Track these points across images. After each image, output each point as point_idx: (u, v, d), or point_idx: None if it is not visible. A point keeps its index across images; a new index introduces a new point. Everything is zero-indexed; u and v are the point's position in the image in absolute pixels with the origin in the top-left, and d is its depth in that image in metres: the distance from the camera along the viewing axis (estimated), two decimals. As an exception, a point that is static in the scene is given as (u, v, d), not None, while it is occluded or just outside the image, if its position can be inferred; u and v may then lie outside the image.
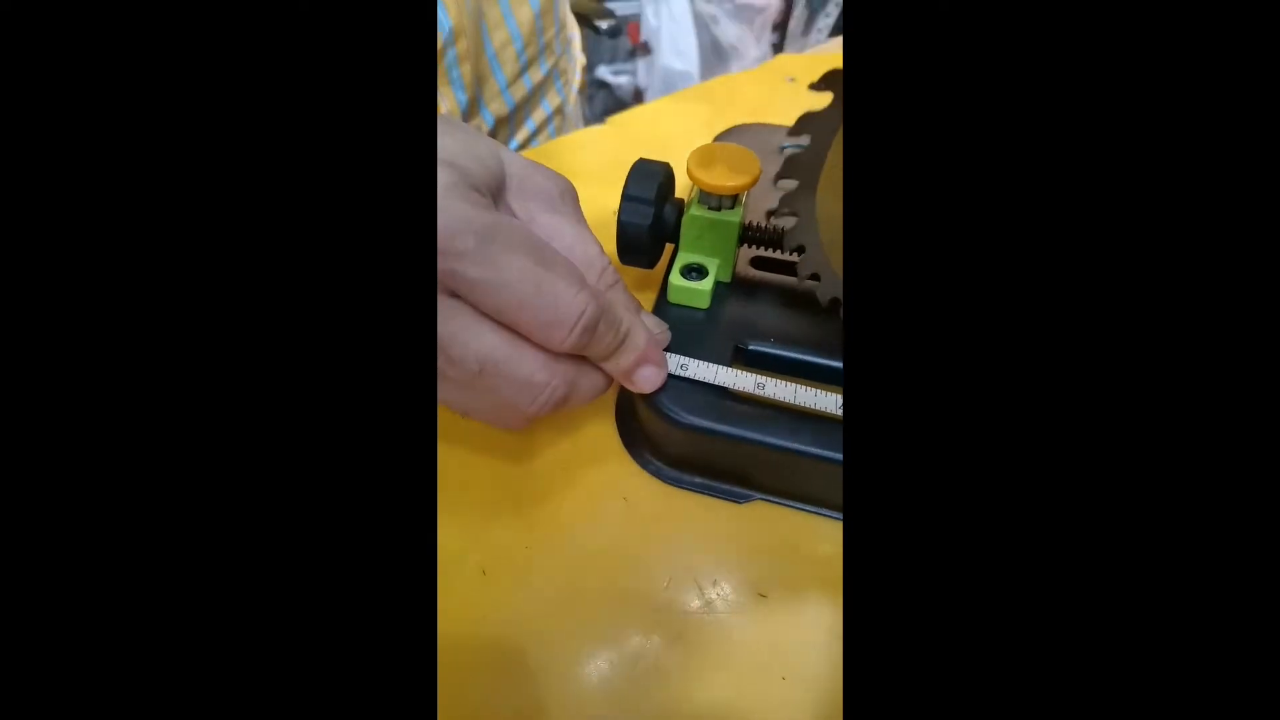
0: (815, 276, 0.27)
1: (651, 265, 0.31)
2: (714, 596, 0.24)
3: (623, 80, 1.56)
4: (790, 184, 0.25)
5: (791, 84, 0.54)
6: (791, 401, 0.26)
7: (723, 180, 0.27)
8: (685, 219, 0.29)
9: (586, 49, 1.67)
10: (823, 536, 0.26)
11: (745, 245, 0.30)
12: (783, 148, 0.39)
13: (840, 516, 0.26)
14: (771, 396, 0.26)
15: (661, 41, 1.48)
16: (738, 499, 0.27)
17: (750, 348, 0.28)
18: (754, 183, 0.28)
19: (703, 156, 0.28)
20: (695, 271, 0.29)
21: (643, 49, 1.53)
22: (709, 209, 0.28)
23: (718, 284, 0.30)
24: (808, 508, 0.27)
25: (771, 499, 0.27)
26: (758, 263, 0.32)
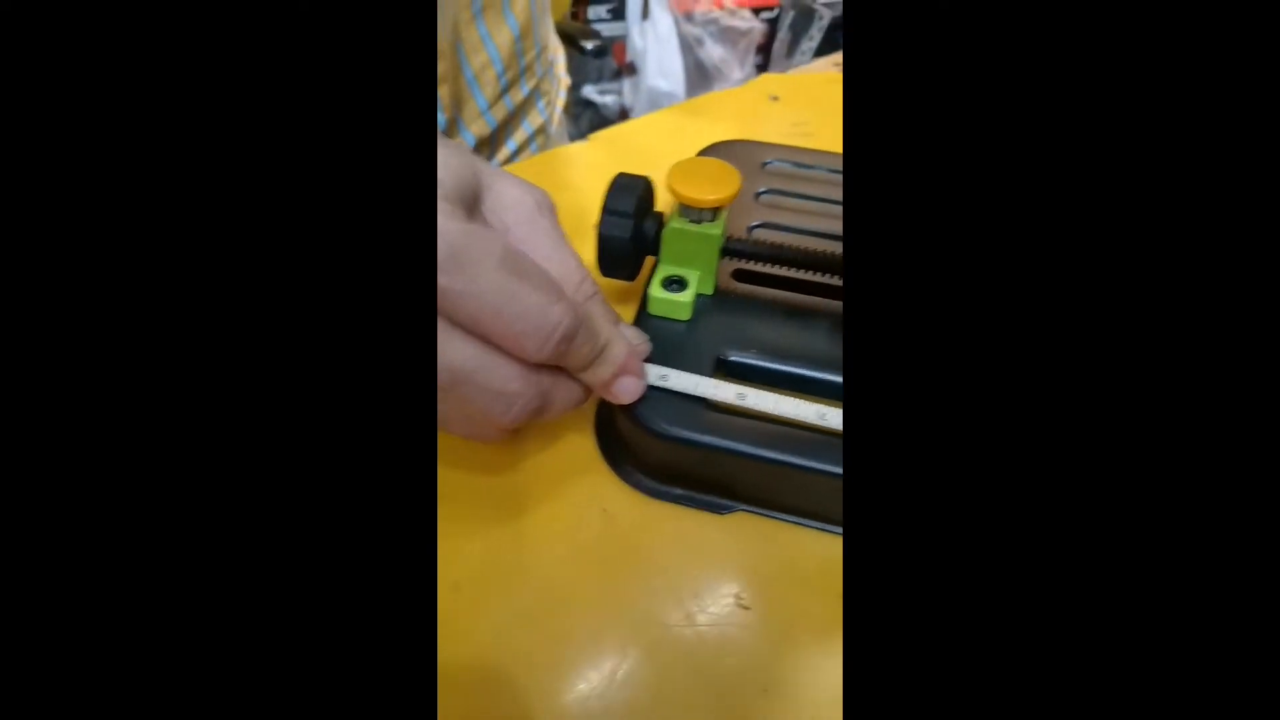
0: None
1: (632, 278, 0.31)
2: (694, 609, 0.24)
3: (609, 99, 1.58)
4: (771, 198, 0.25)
5: (775, 102, 0.55)
6: (772, 412, 0.26)
7: (704, 194, 0.27)
8: (666, 232, 0.29)
9: (572, 69, 1.68)
10: (805, 548, 0.26)
11: (726, 258, 0.30)
12: (765, 164, 0.40)
13: (822, 527, 0.26)
14: (752, 407, 0.26)
15: (647, 62, 1.50)
16: (719, 510, 0.27)
17: (731, 359, 0.28)
18: (735, 197, 0.28)
19: (684, 170, 0.28)
20: (676, 284, 0.29)
21: (628, 69, 1.56)
22: (690, 222, 0.29)
23: (699, 296, 0.30)
24: (790, 518, 0.27)
25: (753, 510, 0.27)
26: (739, 275, 0.32)
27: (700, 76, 1.54)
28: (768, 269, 0.31)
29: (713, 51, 1.52)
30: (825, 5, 1.72)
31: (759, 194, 0.37)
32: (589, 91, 1.59)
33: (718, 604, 0.24)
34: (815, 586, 0.25)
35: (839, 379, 0.28)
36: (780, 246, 0.30)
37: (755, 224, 0.35)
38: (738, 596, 0.24)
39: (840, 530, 0.26)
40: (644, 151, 0.49)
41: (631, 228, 0.29)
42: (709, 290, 0.30)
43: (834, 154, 0.40)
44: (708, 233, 0.28)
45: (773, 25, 1.64)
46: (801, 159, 0.40)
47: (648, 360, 0.27)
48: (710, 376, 0.27)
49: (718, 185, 0.28)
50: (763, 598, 0.24)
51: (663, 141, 0.50)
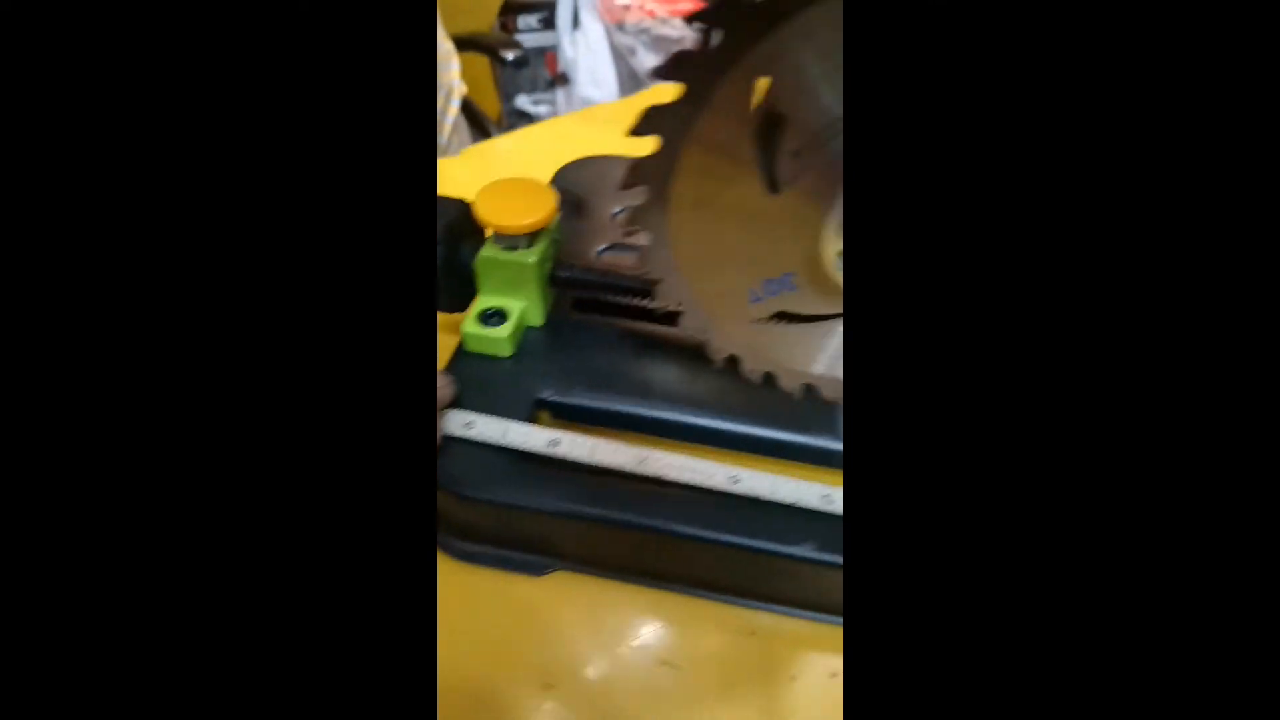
0: (675, 314, 0.23)
1: (458, 309, 0.28)
2: (488, 691, 0.21)
3: (542, 110, 1.55)
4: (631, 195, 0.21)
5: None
6: (587, 460, 0.23)
7: (510, 219, 0.25)
8: (478, 261, 0.26)
9: (503, 79, 1.63)
10: (628, 607, 0.23)
11: (556, 287, 0.28)
12: (627, 179, 0.37)
13: (649, 584, 0.24)
14: (564, 455, 0.23)
15: (579, 72, 1.47)
16: (536, 570, 0.24)
17: (551, 399, 0.25)
18: (547, 221, 0.25)
19: (494, 193, 0.26)
20: (495, 316, 0.26)
21: (561, 79, 1.53)
22: (504, 249, 0.26)
23: (528, 329, 0.27)
24: (614, 575, 0.24)
25: (574, 568, 0.24)
26: (582, 305, 0.29)
27: (634, 85, 1.52)
28: (609, 297, 0.29)
29: (645, 60, 1.50)
30: (760, 14, 1.72)
31: (616, 213, 0.35)
32: (522, 102, 1.56)
33: (515, 684, 0.21)
34: (634, 652, 0.22)
35: (675, 416, 0.25)
36: (610, 273, 0.27)
37: (604, 247, 0.32)
38: (542, 673, 0.22)
39: (668, 586, 0.24)
40: (516, 168, 0.46)
41: (441, 256, 0.26)
42: (537, 322, 0.28)
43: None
44: (522, 260, 0.26)
45: (706, 35, 1.63)
46: (666, 174, 0.37)
47: (453, 406, 0.24)
48: (526, 420, 0.24)
49: (529, 209, 0.25)
50: (569, 674, 0.22)
51: (538, 156, 0.47)
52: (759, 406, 0.25)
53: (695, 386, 0.26)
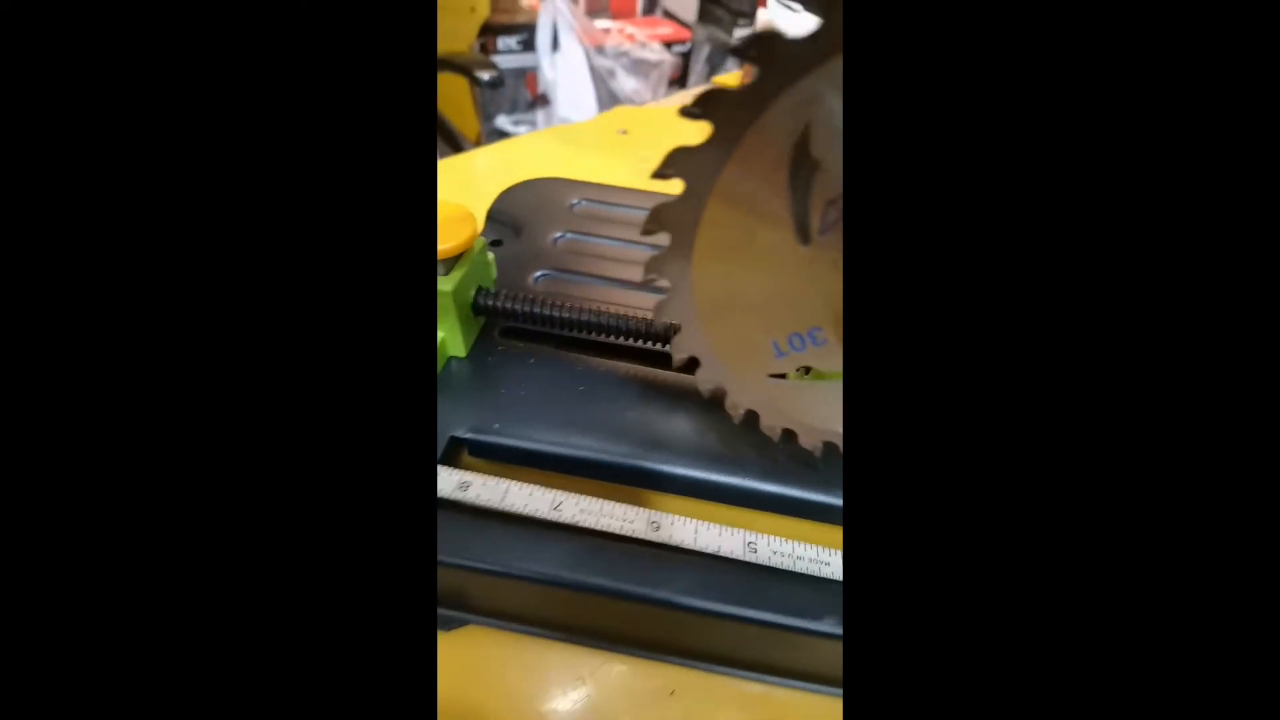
0: (693, 362, 0.22)
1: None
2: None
3: (522, 130, 1.55)
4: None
5: (623, 136, 0.52)
6: (499, 505, 0.22)
7: (424, 244, 0.23)
8: (392, 289, 0.25)
9: (484, 100, 1.63)
10: (537, 661, 0.22)
11: (484, 315, 0.26)
12: (573, 204, 0.36)
13: (559, 638, 0.22)
14: (473, 500, 0.22)
15: (558, 93, 1.48)
16: (446, 625, 0.22)
17: (465, 437, 0.24)
18: (464, 247, 0.24)
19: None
20: (411, 348, 0.25)
21: (541, 100, 1.53)
22: (420, 277, 0.24)
23: (451, 360, 0.26)
24: (531, 630, 0.22)
25: (487, 622, 0.22)
26: (511, 334, 0.28)
27: (613, 106, 1.53)
28: (537, 327, 0.27)
29: (625, 83, 1.51)
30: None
31: (556, 239, 0.33)
32: (502, 122, 1.56)
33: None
34: (545, 716, 0.20)
35: (601, 456, 0.24)
36: (541, 300, 0.26)
37: (540, 273, 0.31)
38: (441, 743, 0.20)
39: (585, 642, 0.22)
40: (466, 187, 0.45)
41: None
42: (460, 353, 0.26)
43: (646, 192, 0.37)
44: (438, 289, 0.24)
45: (685, 58, 1.65)
46: (611, 198, 0.36)
47: (358, 445, 0.22)
48: (440, 461, 0.23)
49: (445, 235, 0.24)
50: (475, 741, 0.20)
51: (488, 178, 0.46)
52: (693, 447, 0.24)
53: (624, 423, 0.24)
